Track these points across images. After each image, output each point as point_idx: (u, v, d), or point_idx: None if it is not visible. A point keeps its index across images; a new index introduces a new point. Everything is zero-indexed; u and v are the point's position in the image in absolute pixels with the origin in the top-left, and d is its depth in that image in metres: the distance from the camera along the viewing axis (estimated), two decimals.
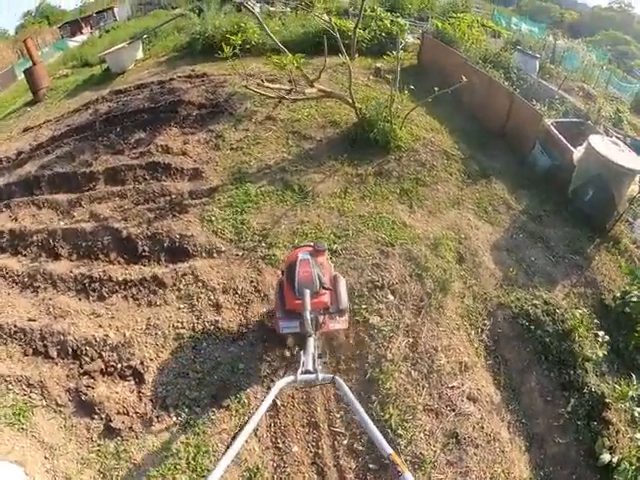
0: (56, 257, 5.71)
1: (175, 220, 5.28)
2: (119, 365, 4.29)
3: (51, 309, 5.06)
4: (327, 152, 5.82)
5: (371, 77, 8.05)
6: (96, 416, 3.92)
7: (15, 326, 4.87)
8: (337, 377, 2.30)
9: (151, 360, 4.21)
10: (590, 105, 8.86)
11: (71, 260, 5.57)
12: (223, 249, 4.84)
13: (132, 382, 4.17)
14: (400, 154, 5.82)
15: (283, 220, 5.00)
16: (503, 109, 7.18)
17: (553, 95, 8.80)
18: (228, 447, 1.73)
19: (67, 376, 4.38)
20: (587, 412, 3.99)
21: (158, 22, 12.54)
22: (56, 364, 4.58)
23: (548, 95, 8.72)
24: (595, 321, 4.46)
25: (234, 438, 1.84)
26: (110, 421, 3.84)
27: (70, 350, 4.55)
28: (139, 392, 4.05)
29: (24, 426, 3.86)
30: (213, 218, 5.12)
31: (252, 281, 4.53)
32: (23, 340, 4.73)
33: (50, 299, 5.18)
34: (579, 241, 5.52)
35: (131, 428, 3.79)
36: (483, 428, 3.69)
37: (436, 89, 5.21)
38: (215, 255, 4.84)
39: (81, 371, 4.40)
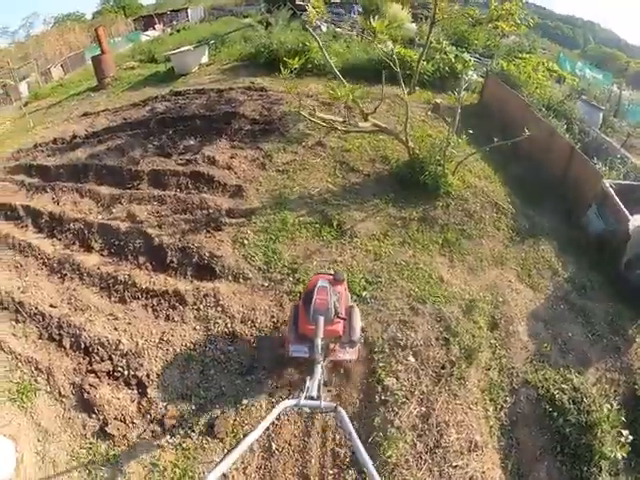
0: (88, 249, 5.72)
1: (208, 236, 5.16)
2: (126, 372, 4.24)
3: (73, 300, 5.04)
4: (373, 189, 5.58)
5: (429, 113, 7.77)
6: (94, 415, 3.88)
7: (36, 308, 4.96)
8: (339, 407, 2.26)
9: (157, 375, 4.10)
10: None
11: (102, 255, 5.56)
12: (250, 276, 4.66)
13: (135, 392, 4.10)
14: (448, 201, 5.50)
15: (316, 256, 4.80)
16: (562, 163, 6.70)
17: (615, 153, 8.21)
18: (218, 462, 1.68)
19: (74, 370, 4.39)
20: None
21: (227, 29, 12.75)
22: (67, 355, 4.56)
23: (609, 152, 8.15)
24: (622, 419, 3.96)
25: (227, 454, 1.79)
26: (106, 424, 3.79)
27: (83, 345, 4.53)
28: (139, 403, 3.97)
29: (25, 405, 3.95)
30: (246, 242, 4.96)
31: (272, 316, 4.33)
32: (41, 324, 4.81)
33: (74, 290, 5.17)
34: (621, 319, 5.00)
35: (125, 436, 3.73)
36: None
37: (495, 139, 4.89)
38: (241, 281, 4.67)
39: (89, 368, 4.38)
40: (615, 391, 4.35)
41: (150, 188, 6.27)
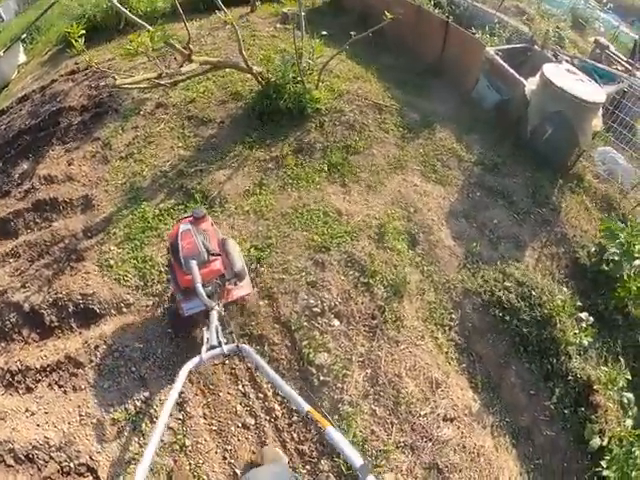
0: None
1: (73, 274, 4.04)
2: (71, 464, 3.36)
3: None
4: (231, 136, 4.30)
5: (278, 26, 6.20)
6: None
7: None
8: (242, 344, 2.08)
9: (98, 453, 3.26)
10: (531, 26, 7.21)
11: None
12: (131, 300, 3.64)
13: (91, 479, 3.39)
14: (321, 119, 4.30)
15: None
16: (437, 42, 5.75)
17: (492, 19, 7.00)
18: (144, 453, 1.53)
19: None
20: (574, 399, 3.24)
21: (37, 14, 10.12)
22: (17, 472, 3.78)
23: (486, 20, 6.97)
24: (577, 303, 3.51)
25: (148, 441, 1.62)
26: None
27: (23, 457, 3.73)
28: None
29: None
30: (112, 262, 3.85)
31: (171, 339, 3.44)
32: None
33: None
34: (542, 188, 4.41)
35: None
36: (465, 447, 2.84)
37: (353, 33, 3.72)
38: (125, 310, 3.65)
39: (41, 475, 3.64)
40: (557, 266, 3.83)
41: (3, 243, 5.03)
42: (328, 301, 3.29)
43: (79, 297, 3.89)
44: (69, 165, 4.92)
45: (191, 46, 3.89)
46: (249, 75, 4.75)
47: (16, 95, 7.36)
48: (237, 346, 2.13)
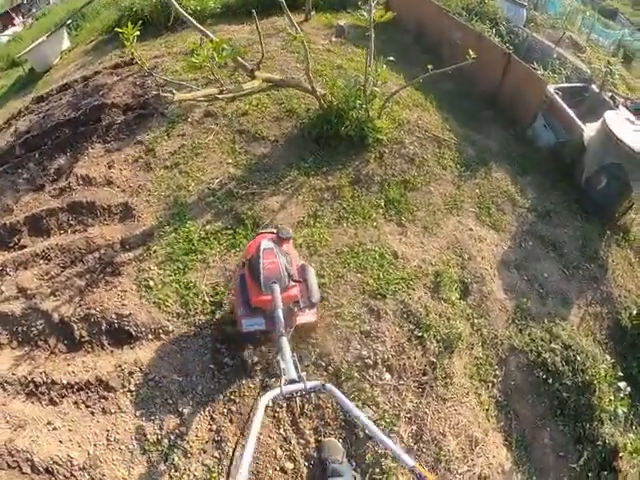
0: None
1: (108, 289, 3.80)
2: None
3: (8, 418, 3.85)
4: (286, 158, 4.03)
5: (333, 39, 5.87)
6: None
7: None
8: (328, 384, 1.94)
9: (124, 479, 3.09)
10: (585, 59, 6.90)
11: (12, 348, 4.22)
12: (170, 328, 3.40)
13: None
14: (381, 150, 4.03)
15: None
16: (497, 72, 5.49)
17: (549, 53, 6.73)
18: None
19: None
20: (599, 463, 3.20)
21: (84, 0, 9.84)
22: None
23: (544, 54, 6.73)
24: (619, 373, 3.46)
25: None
26: None
27: (42, 469, 3.50)
28: None
29: None
30: (152, 283, 3.60)
31: (213, 374, 3.17)
32: None
33: (4, 404, 3.98)
34: (592, 241, 4.30)
35: None
36: None
37: (430, 67, 3.43)
38: (163, 336, 3.42)
39: None
40: (600, 326, 3.74)
41: (34, 240, 4.77)
42: (381, 353, 3.07)
43: (114, 316, 3.65)
44: (109, 168, 4.66)
45: (258, 63, 3.57)
46: (303, 91, 4.44)
47: (57, 82, 7.17)
48: (323, 385, 1.95)
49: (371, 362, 3.01)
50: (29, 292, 4.29)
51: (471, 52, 3.52)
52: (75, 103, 6.04)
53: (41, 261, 4.43)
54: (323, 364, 3.03)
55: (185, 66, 3.21)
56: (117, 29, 3.32)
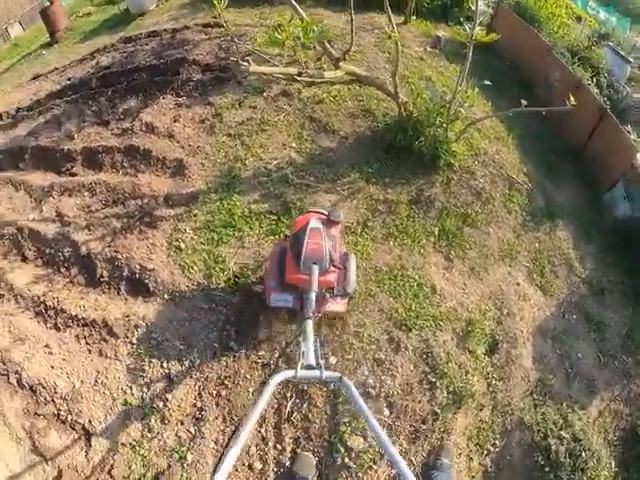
0: (24, 258, 4.57)
1: (141, 239, 3.81)
2: (69, 417, 3.29)
3: (12, 328, 4.00)
4: (351, 158, 3.89)
5: (428, 48, 5.68)
6: (50, 463, 3.11)
7: None
8: (345, 377, 1.85)
9: (99, 422, 3.15)
10: None
11: (36, 266, 4.37)
12: (188, 295, 3.36)
13: (82, 440, 3.17)
14: (450, 175, 3.81)
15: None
16: (587, 125, 5.07)
17: None
18: (221, 461, 1.34)
19: (24, 411, 3.56)
20: None
21: None
22: (16, 393, 3.68)
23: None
24: None
25: (227, 450, 1.54)
26: (60, 475, 3.04)
27: (27, 385, 3.61)
28: (87, 453, 3.09)
29: None
30: (183, 245, 3.58)
31: (215, 353, 3.10)
32: None
33: (12, 315, 4.12)
34: (637, 335, 3.87)
35: None
36: None
37: (524, 103, 3.18)
38: (178, 300, 3.39)
39: (37, 411, 3.51)
40: (616, 426, 3.37)
41: (85, 171, 4.89)
42: (388, 387, 2.92)
43: (137, 266, 3.67)
44: (174, 121, 4.72)
45: (344, 53, 3.46)
46: (386, 94, 4.28)
47: (147, 28, 7.40)
48: (340, 378, 1.86)
49: (374, 393, 2.86)
50: (66, 219, 4.40)
51: (572, 98, 3.23)
52: (159, 52, 6.19)
53: (86, 193, 4.53)
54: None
55: (267, 40, 3.10)
56: None
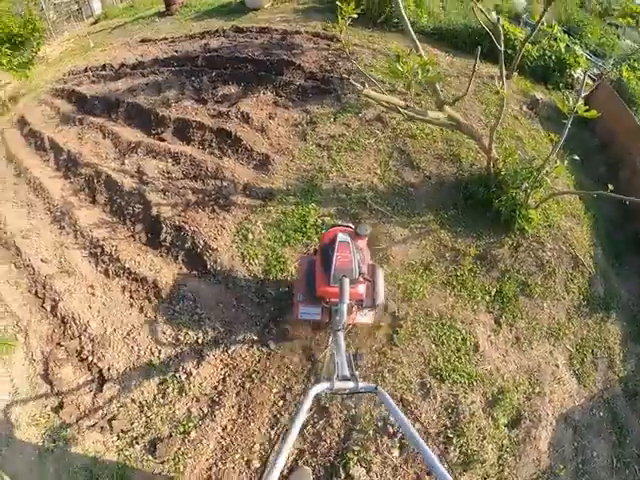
0: (93, 200, 4.89)
1: (211, 217, 4.01)
2: (90, 358, 3.47)
3: (63, 260, 4.31)
4: (429, 198, 3.97)
5: (524, 108, 5.74)
6: (55, 392, 3.34)
7: (29, 260, 4.36)
8: (380, 387, 1.89)
9: (117, 372, 3.31)
10: None
11: (104, 210, 4.69)
12: (242, 284, 3.50)
13: (94, 382, 3.35)
14: (520, 241, 3.81)
15: None
16: None
17: None
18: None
19: (48, 338, 3.80)
20: None
21: None
22: (46, 318, 3.92)
23: None
24: None
25: (270, 466, 1.39)
26: (61, 407, 3.25)
27: (59, 314, 3.84)
28: (95, 396, 3.25)
29: (3, 357, 3.63)
30: (250, 236, 3.74)
31: (251, 346, 3.21)
32: (31, 277, 4.20)
33: (67, 247, 4.42)
34: None
35: (77, 423, 3.15)
36: None
37: (610, 188, 3.21)
38: (230, 286, 3.53)
39: (60, 341, 3.71)
40: None
41: (173, 140, 5.19)
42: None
43: (201, 242, 3.85)
44: (269, 118, 4.95)
45: (454, 100, 3.58)
46: (478, 146, 4.36)
47: (259, 23, 7.78)
48: (375, 388, 1.88)
49: (391, 431, 2.86)
50: (145, 178, 4.68)
51: None
52: (267, 48, 6.54)
53: (170, 160, 4.81)
54: (351, 403, 2.94)
55: (387, 69, 3.26)
56: (337, 2, 3.46)
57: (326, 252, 2.58)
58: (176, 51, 7.25)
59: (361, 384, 1.89)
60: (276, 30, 7.21)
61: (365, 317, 2.88)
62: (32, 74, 9.03)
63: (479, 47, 3.42)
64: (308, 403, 1.74)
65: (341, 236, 2.61)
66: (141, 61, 7.21)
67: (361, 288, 2.60)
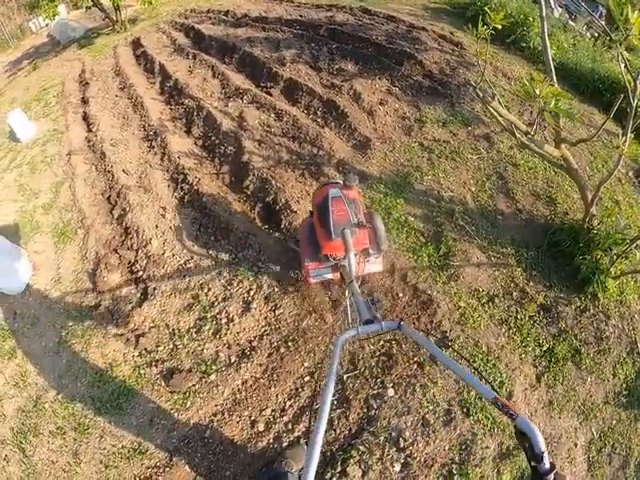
0: (188, 131, 5.18)
1: (298, 180, 4.16)
2: (140, 273, 3.72)
3: (143, 176, 4.63)
4: (515, 233, 3.90)
5: (630, 174, 5.47)
6: (95, 291, 3.66)
7: (111, 167, 4.80)
8: (402, 322, 1.95)
9: (161, 294, 3.49)
10: None
11: (196, 143, 4.97)
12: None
13: (135, 298, 3.57)
14: (588, 306, 3.69)
15: None
16: None
17: None
18: (309, 440, 1.36)
19: (106, 242, 4.09)
20: None
21: None
22: (110, 224, 4.25)
23: None
24: None
25: (314, 422, 1.42)
26: (97, 307, 3.53)
27: (124, 224, 4.13)
28: (131, 311, 3.45)
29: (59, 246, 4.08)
30: None
31: (306, 318, 3.30)
32: (108, 183, 4.71)
33: (150, 166, 4.73)
34: None
35: (106, 328, 3.39)
36: None
37: None
38: (296, 251, 3.67)
39: (118, 249, 3.99)
40: None
41: (280, 98, 5.37)
42: (415, 449, 2.86)
43: (283, 200, 4.02)
44: (379, 104, 5.05)
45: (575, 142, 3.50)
46: (576, 194, 4.26)
47: (386, 10, 7.81)
48: (399, 324, 1.93)
49: (402, 446, 2.86)
50: (244, 124, 4.91)
51: None
52: (391, 36, 6.58)
53: (272, 115, 4.99)
54: (375, 403, 2.99)
55: (520, 89, 3.22)
56: (482, 18, 3.37)
57: (322, 210, 2.66)
58: (301, 15, 7.44)
59: (385, 324, 1.93)
60: (403, 21, 7.23)
61: (374, 265, 2.96)
62: (156, 2, 9.53)
63: (621, 96, 3.31)
64: (338, 353, 1.81)
65: (333, 191, 2.69)
66: (265, 16, 7.46)
67: (363, 237, 2.69)
